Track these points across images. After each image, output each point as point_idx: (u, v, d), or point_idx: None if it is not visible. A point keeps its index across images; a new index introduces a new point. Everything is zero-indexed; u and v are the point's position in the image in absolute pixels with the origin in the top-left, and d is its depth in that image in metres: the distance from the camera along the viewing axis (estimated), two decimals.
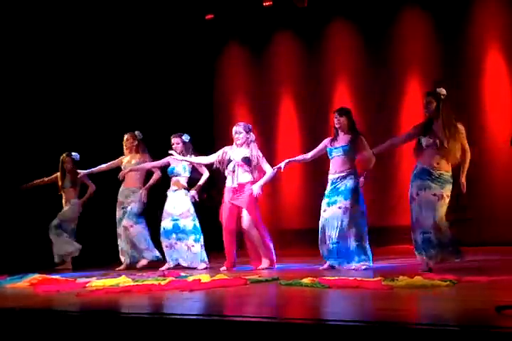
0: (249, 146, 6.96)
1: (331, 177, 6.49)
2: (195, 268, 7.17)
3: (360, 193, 6.42)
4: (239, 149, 6.98)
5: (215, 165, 7.06)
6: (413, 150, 5.98)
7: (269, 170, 6.93)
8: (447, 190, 5.78)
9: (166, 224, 7.38)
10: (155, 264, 7.49)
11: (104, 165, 8.05)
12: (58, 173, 8.48)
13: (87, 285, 5.69)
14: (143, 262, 7.68)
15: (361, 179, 6.43)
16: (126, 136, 7.93)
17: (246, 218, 6.86)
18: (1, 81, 8.90)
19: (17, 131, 9.00)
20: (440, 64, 8.93)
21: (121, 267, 7.68)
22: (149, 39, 10.03)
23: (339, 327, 3.27)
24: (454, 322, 3.32)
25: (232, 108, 10.54)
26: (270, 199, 10.13)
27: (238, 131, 6.99)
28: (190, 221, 7.34)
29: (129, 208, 7.74)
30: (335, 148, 6.50)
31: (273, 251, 6.94)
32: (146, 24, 9.91)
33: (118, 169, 7.96)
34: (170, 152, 7.31)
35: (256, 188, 6.83)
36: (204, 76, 10.71)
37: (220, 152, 7.08)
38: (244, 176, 6.91)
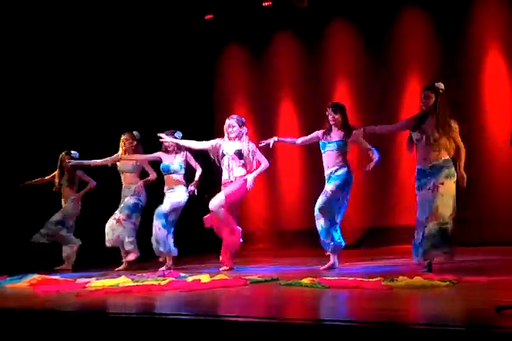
0: (241, 140, 6.97)
1: (326, 173, 6.52)
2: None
3: (349, 183, 6.44)
4: (232, 142, 6.98)
5: (211, 159, 7.05)
6: (406, 144, 5.98)
7: (263, 162, 6.98)
8: (443, 177, 5.68)
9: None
10: (155, 264, 7.49)
11: (99, 161, 7.98)
12: (56, 171, 8.47)
13: (86, 285, 5.70)
14: (130, 257, 7.73)
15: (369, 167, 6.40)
16: (125, 136, 7.88)
17: (217, 197, 6.80)
18: (0, 81, 8.90)
19: (16, 130, 8.98)
20: (440, 64, 8.91)
21: (121, 267, 7.69)
22: (149, 39, 10.02)
23: (339, 327, 3.28)
24: (453, 323, 3.31)
25: (232, 108, 10.52)
26: (270, 200, 10.14)
27: (231, 124, 6.98)
28: (174, 214, 7.32)
29: (125, 200, 7.80)
30: (328, 143, 6.51)
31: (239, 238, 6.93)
32: (146, 24, 9.91)
33: (116, 169, 8.00)
34: (159, 134, 7.14)
35: (250, 179, 6.84)
36: (204, 76, 10.70)
37: (214, 142, 7.04)
38: (238, 170, 6.92)
